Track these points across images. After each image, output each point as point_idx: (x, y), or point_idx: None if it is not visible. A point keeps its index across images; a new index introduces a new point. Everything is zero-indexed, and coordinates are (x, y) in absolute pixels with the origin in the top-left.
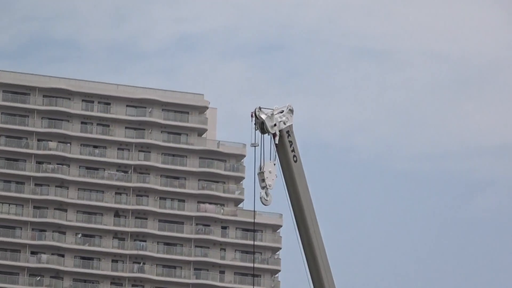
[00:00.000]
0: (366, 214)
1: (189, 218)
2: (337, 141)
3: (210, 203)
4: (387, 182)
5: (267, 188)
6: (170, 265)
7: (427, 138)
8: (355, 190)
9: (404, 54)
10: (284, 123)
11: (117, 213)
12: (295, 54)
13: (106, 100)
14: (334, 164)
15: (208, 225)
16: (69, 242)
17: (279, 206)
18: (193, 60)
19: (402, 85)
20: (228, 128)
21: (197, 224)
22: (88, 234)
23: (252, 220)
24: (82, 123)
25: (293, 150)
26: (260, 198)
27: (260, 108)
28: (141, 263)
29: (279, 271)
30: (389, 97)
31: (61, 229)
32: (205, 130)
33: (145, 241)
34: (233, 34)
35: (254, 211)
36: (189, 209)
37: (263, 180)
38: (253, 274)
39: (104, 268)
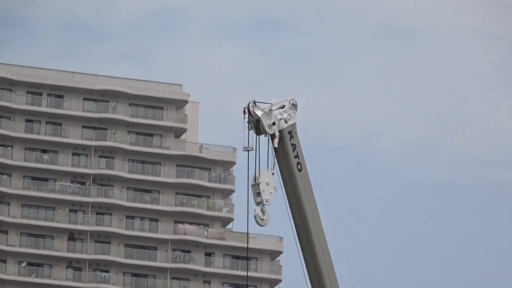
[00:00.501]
0: (390, 236)
1: (164, 242)
2: (354, 144)
3: (190, 223)
4: (417, 197)
5: (264, 205)
6: None
7: (471, 140)
8: (377, 205)
9: (443, 34)
10: (286, 121)
11: (72, 235)
12: (302, 33)
13: (58, 92)
14: (349, 173)
15: (188, 252)
16: (11, 272)
17: (278, 227)
18: (170, 42)
19: (439, 73)
20: (213, 128)
21: (174, 250)
22: (35, 263)
23: (245, 245)
24: (27, 121)
25: (296, 156)
26: (255, 217)
27: (255, 103)
28: None
29: None
30: (421, 88)
31: (0, 256)
32: (184, 130)
33: (107, 271)
34: (222, 9)
35: (248, 233)
36: (164, 231)
37: (259, 194)
38: None
39: None
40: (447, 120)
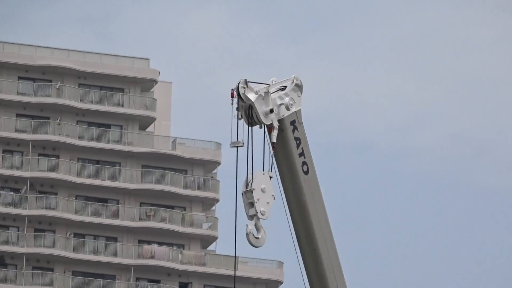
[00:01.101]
0: (435, 257)
1: (125, 268)
2: (382, 138)
3: (160, 244)
4: (465, 206)
5: (259, 218)
6: None
7: None
8: (413, 216)
9: None
10: (288, 108)
11: (3, 260)
12: None
13: None
14: (377, 176)
15: (157, 281)
16: None
17: (277, 248)
18: (135, 4)
19: (500, 44)
20: (191, 117)
21: (138, 279)
22: None
23: (232, 272)
24: None
25: (302, 153)
26: (247, 235)
27: (246, 83)
28: None
29: None
30: (474, 65)
31: None
32: (152, 120)
33: None
34: None
35: (236, 256)
36: (125, 254)
37: (252, 205)
38: None
39: None
40: (508, 109)
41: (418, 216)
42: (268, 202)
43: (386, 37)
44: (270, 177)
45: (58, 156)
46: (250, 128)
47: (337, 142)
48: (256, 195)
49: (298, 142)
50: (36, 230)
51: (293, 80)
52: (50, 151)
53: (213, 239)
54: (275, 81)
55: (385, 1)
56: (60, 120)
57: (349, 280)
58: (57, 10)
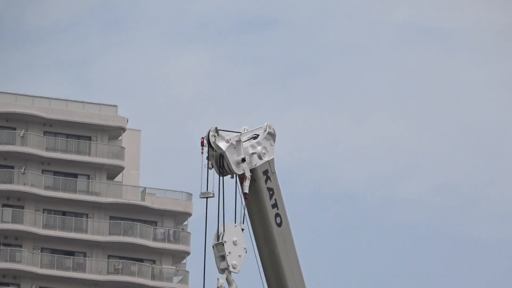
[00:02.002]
0: None
1: None
2: (369, 189)
3: None
4: (456, 261)
5: (230, 272)
6: None
7: None
8: (401, 271)
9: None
10: (260, 157)
11: None
12: (296, 35)
13: None
14: (363, 228)
15: None
16: None
17: None
18: (105, 48)
19: (489, 89)
20: (161, 167)
21: None
22: None
23: None
24: None
25: (275, 205)
26: None
27: (217, 131)
28: None
29: None
30: (464, 112)
31: None
32: (120, 170)
33: None
34: (184, 4)
35: None
36: None
37: (223, 258)
38: None
39: None
40: (500, 158)
41: (404, 268)
42: (240, 255)
43: (373, 84)
44: (242, 230)
45: (22, 207)
46: (221, 178)
47: (321, 192)
48: (227, 248)
49: (271, 192)
50: (0, 284)
51: (266, 128)
52: (15, 201)
53: None
54: (247, 130)
55: (373, 47)
56: (24, 169)
57: None
58: (25, 52)
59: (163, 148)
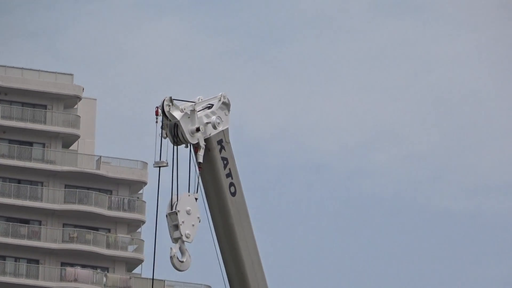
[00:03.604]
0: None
1: None
2: (338, 159)
3: (83, 266)
4: (423, 232)
5: (183, 241)
6: None
7: (499, 158)
8: (368, 242)
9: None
10: (214, 127)
11: None
12: (272, 3)
13: None
14: (332, 198)
15: None
16: None
17: (204, 272)
18: (73, 17)
19: (459, 62)
20: (116, 136)
21: None
22: None
23: None
24: None
25: (229, 174)
26: (171, 258)
27: (171, 100)
28: None
29: None
30: (433, 84)
31: None
32: (75, 138)
33: None
34: None
35: (153, 279)
36: (47, 277)
37: (177, 227)
38: None
39: None
40: (468, 129)
41: (372, 239)
42: (193, 225)
43: (343, 55)
44: (196, 199)
45: None
46: (175, 147)
47: (291, 163)
48: (181, 217)
49: (225, 162)
50: None
51: (220, 98)
52: None
53: (138, 261)
54: (201, 99)
55: (346, 18)
56: None
57: None
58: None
59: (119, 117)
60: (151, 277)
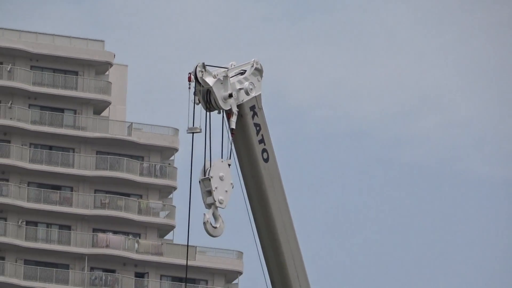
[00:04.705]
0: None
1: (79, 258)
2: (378, 126)
3: (115, 232)
4: (463, 196)
5: (217, 207)
6: None
7: None
8: (410, 206)
9: None
10: (247, 93)
11: None
12: None
13: None
14: (371, 166)
15: (112, 271)
16: None
17: (237, 238)
18: None
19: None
20: (148, 102)
21: (92, 269)
22: None
23: (190, 263)
24: None
25: (262, 140)
26: (204, 224)
27: (204, 66)
28: None
29: None
30: (473, 54)
31: None
32: (107, 105)
33: None
34: None
35: (188, 246)
36: (79, 243)
37: (210, 193)
38: None
39: None
40: (510, 94)
41: (413, 206)
42: (226, 191)
43: (385, 21)
44: (229, 165)
45: (9, 141)
46: (208, 113)
47: (332, 130)
48: (214, 183)
49: (258, 128)
50: None
51: (253, 64)
52: (1, 136)
53: (170, 228)
54: (234, 65)
55: None
56: (11, 104)
57: (347, 268)
58: None
59: (150, 83)
60: (183, 243)
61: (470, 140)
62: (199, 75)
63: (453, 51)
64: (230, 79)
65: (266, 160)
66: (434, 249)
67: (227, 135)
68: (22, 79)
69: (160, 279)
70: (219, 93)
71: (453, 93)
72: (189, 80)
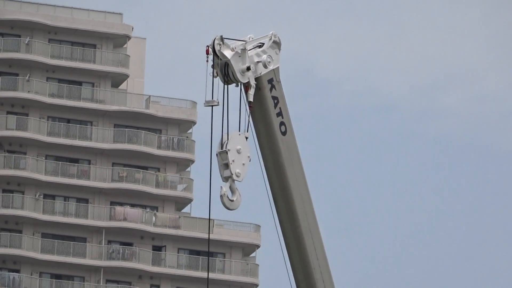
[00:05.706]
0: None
1: (96, 231)
2: (407, 101)
3: (132, 206)
4: (490, 170)
5: (234, 180)
6: None
7: None
8: (438, 179)
9: None
10: (265, 66)
11: None
12: None
13: None
14: (400, 140)
15: (130, 244)
16: None
17: (254, 211)
18: None
19: None
20: (166, 75)
21: (110, 242)
22: None
23: (207, 236)
24: None
25: (280, 113)
26: (221, 197)
27: (222, 39)
28: None
29: None
30: (500, 27)
31: None
32: (125, 77)
33: (17, 271)
34: None
35: (210, 219)
36: (96, 216)
37: (227, 166)
38: None
39: None
40: None
41: (441, 179)
42: (243, 164)
43: None
44: (246, 138)
45: (27, 114)
46: (226, 86)
47: (360, 104)
48: (231, 156)
49: (275, 101)
50: (4, 191)
51: (271, 37)
52: (19, 109)
53: (188, 201)
54: (252, 38)
55: None
56: (29, 77)
57: (372, 243)
58: None
59: (168, 56)
60: (200, 217)
61: (497, 115)
62: (217, 48)
63: (482, 25)
64: (248, 52)
65: (284, 133)
66: (461, 219)
67: (245, 108)
68: (40, 52)
69: (178, 252)
70: (237, 66)
71: (481, 67)
72: (207, 53)
